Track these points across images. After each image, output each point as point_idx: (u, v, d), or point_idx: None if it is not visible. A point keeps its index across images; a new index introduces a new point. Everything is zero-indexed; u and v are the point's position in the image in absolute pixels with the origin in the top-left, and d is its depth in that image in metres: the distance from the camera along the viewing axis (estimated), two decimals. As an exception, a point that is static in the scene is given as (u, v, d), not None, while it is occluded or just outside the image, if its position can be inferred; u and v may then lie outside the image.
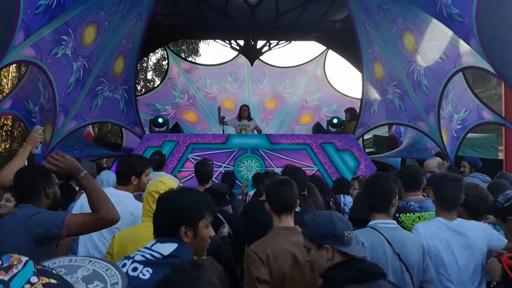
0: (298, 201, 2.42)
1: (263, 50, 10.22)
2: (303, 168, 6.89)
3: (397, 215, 3.02)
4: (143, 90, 18.18)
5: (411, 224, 2.88)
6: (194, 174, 4.55)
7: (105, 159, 11.10)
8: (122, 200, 2.80)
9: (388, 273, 2.19)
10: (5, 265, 0.92)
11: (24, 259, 0.95)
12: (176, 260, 1.65)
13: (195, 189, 2.31)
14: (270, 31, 9.58)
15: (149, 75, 23.17)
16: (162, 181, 2.43)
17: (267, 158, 7.01)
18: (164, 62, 20.10)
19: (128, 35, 7.07)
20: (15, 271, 0.91)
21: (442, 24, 5.50)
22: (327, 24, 9.55)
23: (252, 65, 10.78)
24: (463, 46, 5.33)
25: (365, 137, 9.71)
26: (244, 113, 8.35)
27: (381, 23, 6.88)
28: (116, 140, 15.01)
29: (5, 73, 16.03)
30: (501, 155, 8.67)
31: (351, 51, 8.68)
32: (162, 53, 20.91)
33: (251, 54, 10.16)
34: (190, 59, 18.52)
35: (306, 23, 9.20)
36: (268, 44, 10.20)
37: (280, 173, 4.96)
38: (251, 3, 8.36)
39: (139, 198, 2.95)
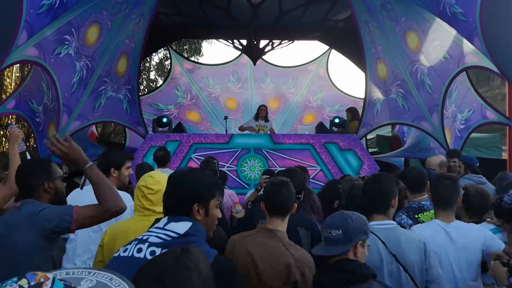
0: (296, 205, 2.39)
1: (265, 50, 10.21)
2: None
3: (416, 216, 3.04)
4: (146, 90, 18.22)
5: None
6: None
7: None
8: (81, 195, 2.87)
9: (383, 275, 2.19)
10: (32, 283, 0.90)
11: (50, 275, 0.93)
12: (192, 239, 1.66)
13: None
14: (273, 30, 9.57)
15: (152, 75, 23.21)
16: (151, 176, 2.44)
17: (270, 158, 7.00)
18: (167, 62, 20.13)
19: (131, 34, 7.08)
20: None
21: (445, 23, 5.47)
22: (330, 23, 9.53)
23: (254, 64, 10.78)
24: (467, 46, 5.31)
25: (368, 137, 9.68)
26: (262, 112, 8.38)
27: (384, 23, 6.86)
28: (120, 140, 15.05)
29: (9, 73, 16.08)
30: (504, 155, 8.64)
31: (354, 50, 8.65)
32: (164, 53, 20.93)
33: (254, 53, 10.16)
34: (192, 58, 18.55)
35: (309, 23, 9.18)
36: (271, 43, 10.19)
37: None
38: (253, 2, 8.36)
39: None
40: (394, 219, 3.20)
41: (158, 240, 1.66)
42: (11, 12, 4.21)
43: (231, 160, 7.06)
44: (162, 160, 5.07)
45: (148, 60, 21.09)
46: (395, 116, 7.53)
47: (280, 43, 10.32)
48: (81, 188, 2.54)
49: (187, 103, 11.87)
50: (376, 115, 7.71)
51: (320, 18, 9.09)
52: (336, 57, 17.45)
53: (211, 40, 18.48)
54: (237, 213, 3.61)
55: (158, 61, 22.89)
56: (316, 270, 2.09)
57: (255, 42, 9.91)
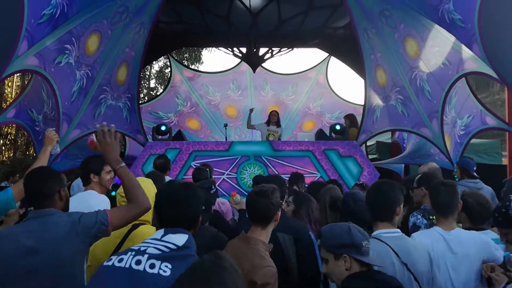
0: (278, 214, 2.37)
1: (265, 57, 10.26)
2: (305, 175, 6.94)
3: (431, 217, 3.02)
4: (146, 98, 18.26)
5: None
6: (197, 182, 4.55)
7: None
8: (83, 198, 2.90)
9: None
10: None
11: None
12: (190, 251, 1.70)
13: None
14: (272, 38, 9.61)
15: (152, 83, 23.29)
16: None
17: (270, 165, 7.00)
18: (167, 70, 20.22)
19: (131, 43, 7.11)
20: None
21: (444, 29, 5.49)
22: (329, 31, 9.57)
23: (254, 72, 10.82)
24: (466, 52, 5.32)
25: (368, 143, 9.68)
26: (273, 118, 8.39)
27: (383, 30, 6.89)
28: (120, 148, 15.03)
29: (9, 83, 16.13)
30: (504, 161, 8.63)
31: (353, 57, 8.68)
32: (165, 61, 21.04)
33: (254, 61, 10.19)
34: (192, 66, 18.62)
35: (308, 30, 9.22)
36: (270, 51, 10.24)
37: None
38: (253, 10, 8.40)
39: None
40: (409, 219, 3.22)
41: (157, 252, 1.66)
42: (12, 21, 4.23)
43: (231, 167, 7.05)
44: (162, 167, 5.04)
45: (148, 68, 21.19)
46: (395, 123, 7.53)
47: (279, 51, 10.37)
48: None
49: (187, 111, 11.89)
50: (376, 122, 7.72)
51: (319, 26, 9.14)
52: (336, 64, 17.52)
53: (211, 48, 18.58)
54: (237, 204, 3.54)
55: (158, 69, 23.01)
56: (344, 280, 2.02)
57: (255, 50, 9.95)
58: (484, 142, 9.26)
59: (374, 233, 2.32)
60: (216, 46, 11.31)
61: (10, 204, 2.74)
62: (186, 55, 22.02)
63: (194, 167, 6.94)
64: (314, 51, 12.01)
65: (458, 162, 5.19)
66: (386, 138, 9.95)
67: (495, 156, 8.96)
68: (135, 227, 2.36)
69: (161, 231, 1.75)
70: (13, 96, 15.40)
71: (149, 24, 7.19)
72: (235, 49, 10.27)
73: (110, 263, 1.69)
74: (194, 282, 1.28)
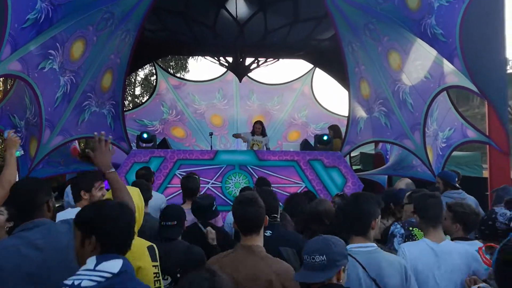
0: (267, 218, 2.36)
1: (251, 67, 10.30)
2: (290, 185, 6.95)
3: (410, 228, 3.05)
4: (131, 106, 18.14)
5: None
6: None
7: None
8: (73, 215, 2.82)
9: None
10: None
11: None
12: (128, 276, 1.63)
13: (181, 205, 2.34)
14: (259, 48, 9.68)
15: (137, 91, 23.14)
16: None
17: (255, 175, 6.99)
18: (152, 78, 20.12)
19: (116, 50, 7.07)
20: None
21: (426, 44, 5.61)
22: (314, 42, 9.68)
23: (240, 81, 10.86)
24: (447, 66, 5.44)
25: (352, 154, 9.78)
26: (257, 129, 8.44)
27: (367, 42, 7.00)
28: (111, 157, 14.85)
29: (-9, 87, 15.82)
30: (485, 173, 8.79)
31: (338, 69, 8.79)
32: (150, 68, 20.94)
33: (240, 71, 10.23)
34: (178, 75, 18.60)
35: (294, 42, 9.32)
36: (256, 61, 10.29)
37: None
38: (240, 21, 8.46)
39: None
40: (389, 227, 3.25)
41: (92, 284, 1.56)
42: (-5, 26, 4.18)
43: (216, 176, 7.03)
44: (144, 179, 4.91)
45: (134, 75, 21.06)
46: (378, 134, 7.63)
47: (265, 61, 10.44)
48: None
49: (172, 119, 11.84)
50: (360, 133, 7.81)
51: (304, 38, 9.24)
52: (321, 75, 17.68)
53: (197, 56, 18.57)
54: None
55: (143, 76, 22.88)
56: None
57: (241, 60, 9.99)
58: (465, 154, 9.42)
59: (347, 247, 2.27)
60: (202, 55, 11.34)
61: None
62: (172, 63, 21.98)
63: (178, 175, 6.89)
64: (300, 62, 12.09)
65: (440, 174, 5.27)
66: (369, 149, 10.06)
67: (476, 168, 9.12)
68: None
69: (93, 260, 1.63)
70: (-6, 101, 15.04)
71: (135, 31, 7.17)
72: (221, 58, 10.30)
73: None
74: None
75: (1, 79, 12.82)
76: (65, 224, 2.08)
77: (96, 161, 2.31)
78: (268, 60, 10.47)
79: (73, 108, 6.55)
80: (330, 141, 7.61)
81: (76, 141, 8.53)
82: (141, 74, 22.59)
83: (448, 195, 4.56)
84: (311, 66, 12.09)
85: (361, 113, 7.80)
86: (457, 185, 4.96)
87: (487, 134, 6.44)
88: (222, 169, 7.05)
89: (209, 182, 6.96)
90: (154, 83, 13.02)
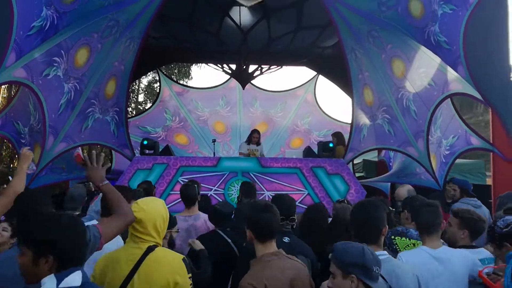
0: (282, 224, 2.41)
1: (254, 74, 10.32)
2: (293, 192, 6.93)
3: (392, 237, 3.03)
4: (134, 112, 18.19)
5: (404, 248, 2.87)
6: (184, 197, 4.50)
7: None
8: None
9: None
10: None
11: None
12: (91, 285, 1.66)
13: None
14: (262, 56, 9.70)
15: (141, 98, 23.23)
16: (137, 202, 2.38)
17: (258, 182, 6.98)
18: (156, 85, 20.21)
19: (120, 57, 7.10)
20: None
21: (430, 51, 5.61)
22: (318, 50, 9.70)
23: (243, 89, 10.88)
24: (451, 73, 5.43)
25: (355, 161, 9.75)
26: (254, 139, 8.48)
27: (371, 50, 7.01)
28: (104, 171, 14.88)
29: (-5, 94, 15.95)
30: (489, 181, 8.74)
31: (341, 76, 8.80)
32: (153, 75, 21.05)
33: (243, 78, 10.25)
34: (182, 82, 18.65)
35: (297, 49, 9.34)
36: (259, 68, 10.31)
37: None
38: (243, 28, 8.49)
39: None
40: None
41: None
42: (1, 32, 4.21)
43: (219, 183, 7.02)
44: (145, 193, 4.92)
45: (137, 82, 21.15)
46: (381, 141, 7.61)
47: (268, 68, 10.45)
48: None
49: (175, 125, 11.86)
50: (363, 140, 7.79)
51: (308, 45, 9.26)
52: (324, 82, 17.71)
53: (200, 64, 18.62)
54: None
55: (146, 83, 22.98)
56: None
57: (244, 67, 10.01)
58: (469, 162, 9.38)
59: None
60: (206, 62, 11.37)
61: None
62: (175, 70, 22.07)
63: (181, 182, 6.89)
64: (303, 69, 12.10)
65: (456, 182, 5.37)
66: (372, 156, 10.03)
67: (479, 176, 9.08)
68: (150, 249, 2.27)
69: (52, 278, 1.58)
70: (-2, 108, 15.17)
71: (139, 38, 7.21)
72: (224, 65, 10.33)
73: None
74: None
75: (6, 86, 12.91)
76: None
77: (89, 177, 2.35)
78: (272, 67, 10.50)
79: (76, 115, 6.57)
80: (334, 148, 7.63)
81: (80, 147, 8.55)
82: (144, 81, 22.71)
83: (465, 201, 4.73)
84: (314, 73, 12.12)
85: (364, 120, 7.79)
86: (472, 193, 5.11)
87: (491, 141, 6.42)
88: (224, 176, 7.05)
89: (212, 189, 6.95)
90: (158, 90, 13.07)
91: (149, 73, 19.79)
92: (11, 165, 15.56)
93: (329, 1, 6.80)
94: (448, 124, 6.83)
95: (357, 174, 9.74)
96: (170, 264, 2.25)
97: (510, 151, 5.76)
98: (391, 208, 4.52)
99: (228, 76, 11.47)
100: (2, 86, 13.73)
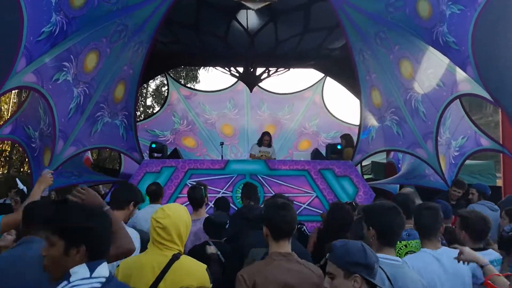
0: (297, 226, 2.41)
1: (262, 77, 10.35)
2: (301, 195, 6.91)
3: None
4: (142, 116, 18.31)
5: (397, 251, 2.88)
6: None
7: (101, 185, 11.07)
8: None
9: None
10: None
11: None
12: (114, 277, 1.68)
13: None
14: (269, 58, 9.72)
15: (149, 101, 23.37)
16: (163, 208, 2.35)
17: (266, 184, 6.98)
18: (164, 88, 20.31)
19: (129, 61, 7.16)
20: None
21: (438, 52, 5.58)
22: (325, 52, 9.70)
23: (251, 91, 10.90)
24: (460, 74, 5.40)
25: (363, 163, 9.70)
26: (265, 141, 8.43)
27: (379, 51, 6.99)
28: (115, 166, 15.00)
29: (6, 99, 16.13)
30: (499, 182, 8.67)
31: (349, 78, 8.78)
32: (161, 79, 21.17)
33: (250, 80, 10.28)
34: (189, 85, 18.73)
35: (305, 51, 9.35)
36: (267, 71, 10.33)
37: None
38: (250, 31, 8.52)
39: None
40: None
41: None
42: (11, 38, 4.27)
43: (227, 186, 7.03)
44: (154, 194, 4.91)
45: (145, 86, 21.29)
46: (390, 143, 7.58)
47: (276, 71, 10.47)
48: None
49: (183, 129, 11.91)
50: (371, 142, 7.76)
51: (315, 47, 9.26)
52: (331, 84, 17.69)
53: (208, 67, 18.70)
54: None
55: (155, 87, 23.13)
56: None
57: (252, 70, 10.04)
58: (479, 163, 9.30)
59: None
60: (213, 66, 11.41)
61: None
62: (183, 73, 22.20)
63: (189, 185, 6.90)
64: (310, 71, 12.10)
65: (475, 186, 5.61)
66: (381, 158, 9.98)
67: (489, 177, 9.01)
68: (175, 257, 2.25)
69: (85, 267, 1.61)
70: (9, 113, 15.38)
71: (148, 43, 7.26)
72: (232, 68, 10.36)
73: None
74: None
75: (16, 91, 13.06)
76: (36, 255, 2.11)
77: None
78: (279, 69, 10.51)
79: (86, 119, 6.63)
80: (343, 150, 7.61)
81: (89, 151, 8.62)
82: (153, 85, 22.87)
83: (482, 203, 4.92)
84: (322, 75, 12.11)
85: (372, 121, 7.76)
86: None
87: (501, 142, 6.36)
88: (233, 179, 7.06)
89: (220, 191, 6.96)
90: (166, 93, 13.14)
91: (157, 77, 19.91)
92: (21, 169, 15.72)
93: (337, 3, 6.80)
94: (457, 125, 6.79)
95: (366, 176, 9.70)
96: (195, 273, 2.26)
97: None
98: None
99: (236, 79, 11.51)
100: (13, 92, 13.89)
